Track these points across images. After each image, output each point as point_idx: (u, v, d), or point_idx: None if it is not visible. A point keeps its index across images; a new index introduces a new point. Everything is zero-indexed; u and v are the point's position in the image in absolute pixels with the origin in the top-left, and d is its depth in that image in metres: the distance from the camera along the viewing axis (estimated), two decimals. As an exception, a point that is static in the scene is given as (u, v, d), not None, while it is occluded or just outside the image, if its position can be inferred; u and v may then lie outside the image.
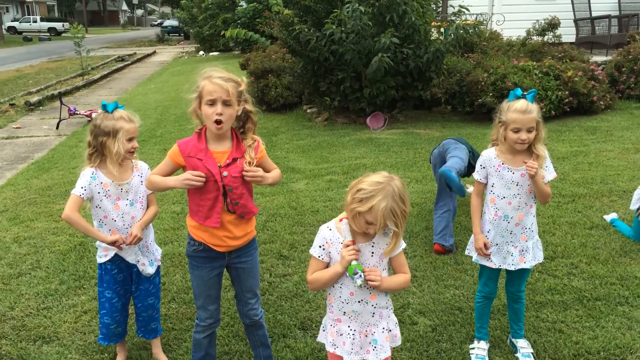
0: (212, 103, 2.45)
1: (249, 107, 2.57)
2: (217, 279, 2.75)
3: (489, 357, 3.11)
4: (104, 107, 2.88)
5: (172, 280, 4.11)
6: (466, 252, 3.16)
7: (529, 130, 2.76)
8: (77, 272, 4.27)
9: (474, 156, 4.83)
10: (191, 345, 2.91)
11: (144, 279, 3.09)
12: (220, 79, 2.45)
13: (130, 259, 2.98)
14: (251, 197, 2.68)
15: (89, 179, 2.85)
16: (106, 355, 3.24)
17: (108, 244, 2.87)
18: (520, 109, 2.75)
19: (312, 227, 5.00)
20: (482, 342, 3.17)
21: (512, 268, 2.97)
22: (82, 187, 2.84)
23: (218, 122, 2.45)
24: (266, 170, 2.68)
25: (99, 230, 2.92)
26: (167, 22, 52.24)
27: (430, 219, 5.05)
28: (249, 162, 2.57)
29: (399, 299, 3.74)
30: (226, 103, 2.46)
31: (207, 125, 2.53)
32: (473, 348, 3.16)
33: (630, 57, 9.70)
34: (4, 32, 45.77)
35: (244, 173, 2.53)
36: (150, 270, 3.06)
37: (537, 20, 11.35)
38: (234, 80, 2.50)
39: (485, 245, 2.97)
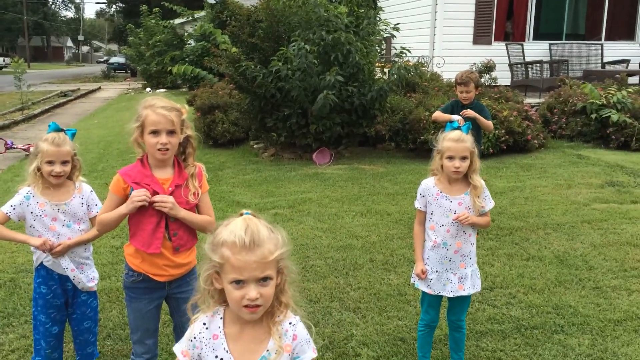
0: (156, 133, 2.44)
1: (189, 131, 2.57)
2: (156, 311, 2.68)
3: (431, 386, 3.13)
4: (49, 126, 2.90)
5: (108, 316, 3.95)
6: (411, 281, 3.21)
7: (462, 159, 2.89)
8: (6, 310, 4.04)
9: None
10: (126, 381, 2.80)
11: (80, 303, 3.01)
12: (163, 109, 2.44)
13: (60, 270, 2.89)
14: (193, 230, 2.63)
15: (22, 198, 2.86)
16: (34, 395, 3.06)
17: (35, 246, 2.81)
18: (454, 138, 2.89)
19: (256, 260, 4.93)
20: (424, 371, 3.19)
21: (451, 295, 3.02)
22: (11, 206, 2.86)
23: (163, 150, 2.45)
24: (200, 210, 2.63)
25: (34, 251, 2.89)
26: (113, 59, 51.62)
27: (374, 252, 5.09)
28: (194, 194, 2.55)
29: (342, 331, 3.73)
30: (170, 132, 2.45)
31: (150, 153, 2.50)
32: (415, 378, 3.17)
33: (560, 99, 10.25)
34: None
35: (153, 199, 2.45)
36: (85, 281, 2.96)
37: (475, 63, 11.89)
38: (176, 109, 2.50)
39: (422, 271, 3.03)
